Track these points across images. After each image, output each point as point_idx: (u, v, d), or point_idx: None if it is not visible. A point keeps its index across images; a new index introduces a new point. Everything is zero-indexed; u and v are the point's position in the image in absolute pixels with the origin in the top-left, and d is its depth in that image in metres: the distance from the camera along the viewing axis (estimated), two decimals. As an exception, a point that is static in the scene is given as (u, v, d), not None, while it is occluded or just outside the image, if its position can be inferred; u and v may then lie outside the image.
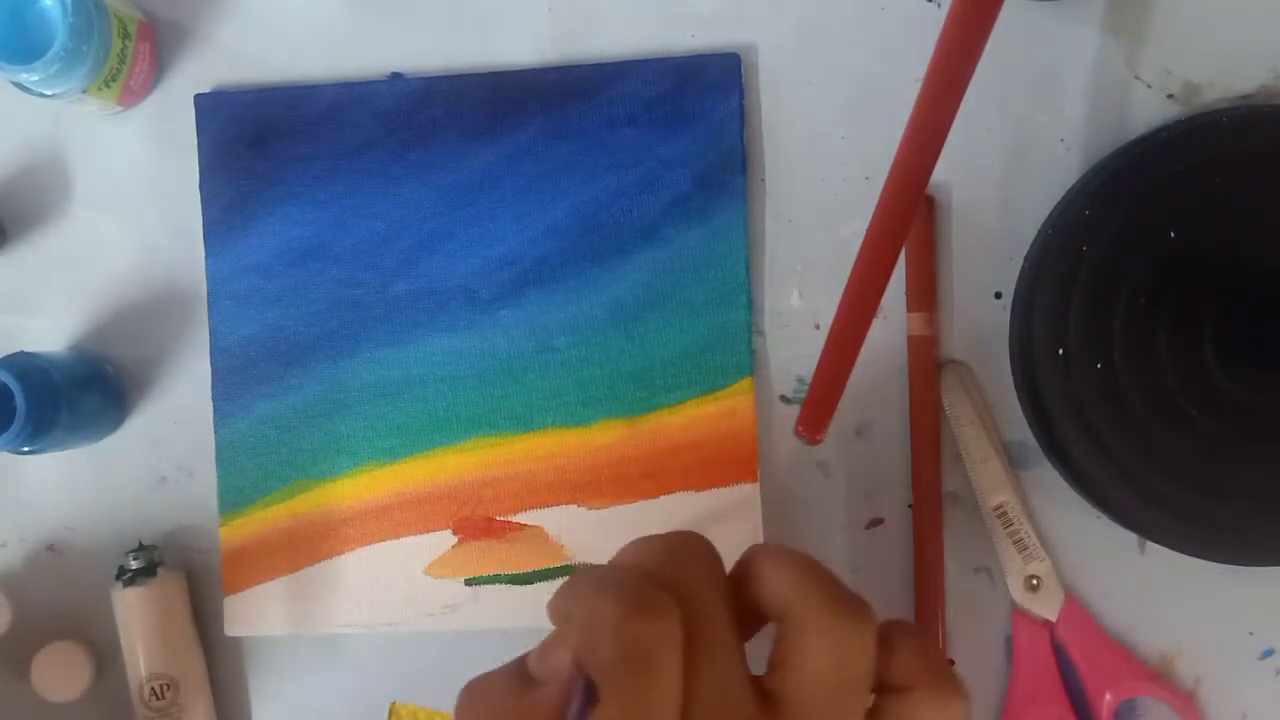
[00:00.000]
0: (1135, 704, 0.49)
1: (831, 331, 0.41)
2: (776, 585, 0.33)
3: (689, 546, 0.34)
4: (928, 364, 0.49)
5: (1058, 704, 0.49)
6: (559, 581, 0.51)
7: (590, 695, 0.29)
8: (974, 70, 0.41)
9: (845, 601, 0.32)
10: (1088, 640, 0.49)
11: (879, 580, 0.50)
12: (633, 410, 0.51)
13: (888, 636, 0.32)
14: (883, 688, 0.32)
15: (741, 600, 0.34)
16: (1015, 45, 0.49)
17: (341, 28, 0.53)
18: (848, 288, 0.41)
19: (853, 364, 0.41)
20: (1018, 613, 0.49)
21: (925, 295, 0.50)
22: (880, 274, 0.41)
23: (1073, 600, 0.49)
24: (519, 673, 0.33)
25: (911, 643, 0.33)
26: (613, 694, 0.29)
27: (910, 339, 0.50)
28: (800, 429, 0.40)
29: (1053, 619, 0.49)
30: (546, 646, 0.33)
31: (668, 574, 0.33)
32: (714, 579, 0.33)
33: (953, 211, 0.50)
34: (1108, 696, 0.48)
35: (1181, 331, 0.46)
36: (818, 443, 0.41)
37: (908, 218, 0.41)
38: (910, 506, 0.50)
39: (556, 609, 0.34)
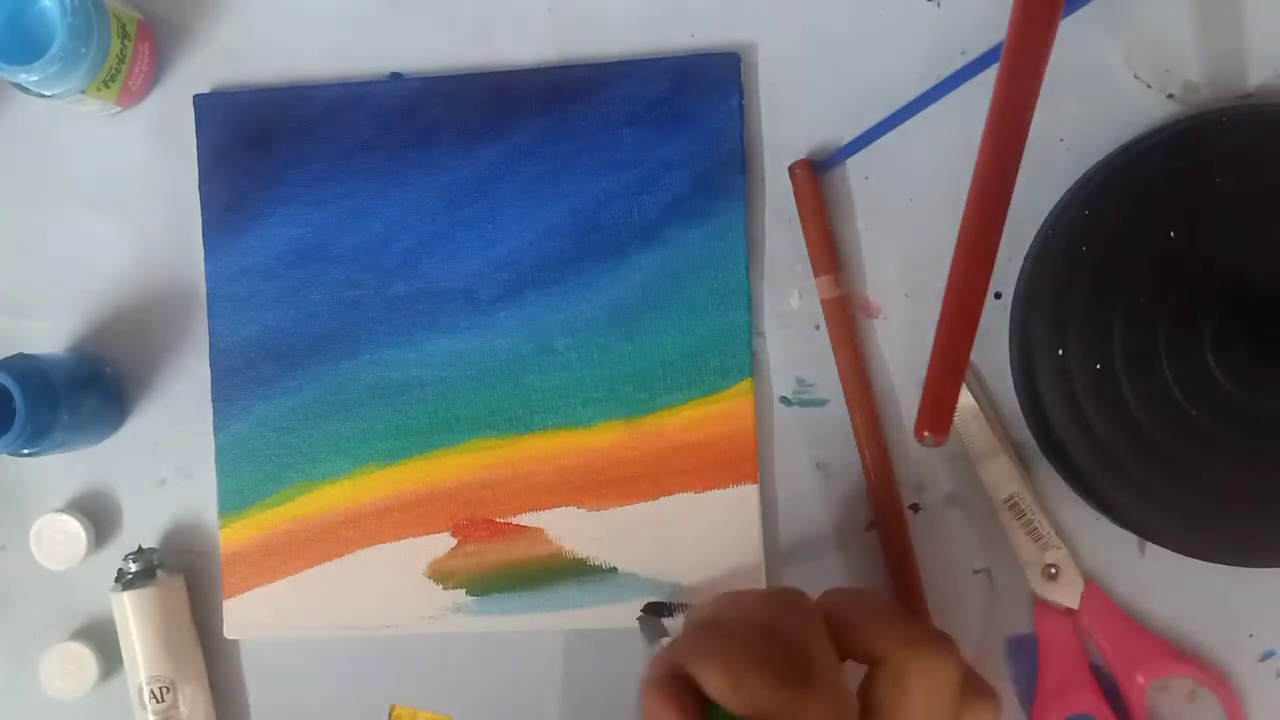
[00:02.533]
0: (1166, 684, 0.49)
1: (941, 323, 0.41)
2: (871, 632, 0.37)
3: (802, 605, 0.38)
4: (846, 323, 0.50)
5: (1089, 691, 0.48)
6: (559, 583, 0.51)
7: None
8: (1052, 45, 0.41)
9: (937, 644, 0.36)
10: (1113, 624, 0.49)
11: (878, 582, 0.50)
12: (633, 412, 0.51)
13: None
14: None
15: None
16: (1015, 45, 0.49)
17: (341, 28, 0.53)
18: (951, 278, 0.41)
19: (969, 352, 0.41)
20: (1039, 604, 0.49)
21: (828, 258, 0.50)
22: (985, 259, 0.40)
23: (1094, 586, 0.49)
24: None
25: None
26: None
27: (824, 302, 0.50)
28: (923, 432, 0.39)
29: (1074, 606, 0.49)
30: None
31: (794, 637, 0.36)
32: (825, 634, 0.37)
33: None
34: (1139, 678, 0.48)
35: (1181, 331, 0.46)
36: (942, 444, 0.40)
37: (1005, 198, 0.41)
38: (912, 508, 0.50)
39: (702, 670, 0.36)
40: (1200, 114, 0.48)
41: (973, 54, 0.50)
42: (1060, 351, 0.47)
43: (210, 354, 0.53)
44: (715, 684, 0.34)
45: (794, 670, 0.34)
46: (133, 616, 0.51)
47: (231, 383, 0.53)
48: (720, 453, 0.50)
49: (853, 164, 0.51)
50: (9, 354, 0.50)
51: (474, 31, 0.53)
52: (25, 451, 0.49)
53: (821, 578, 0.51)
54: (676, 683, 0.35)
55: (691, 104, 0.51)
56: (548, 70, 0.52)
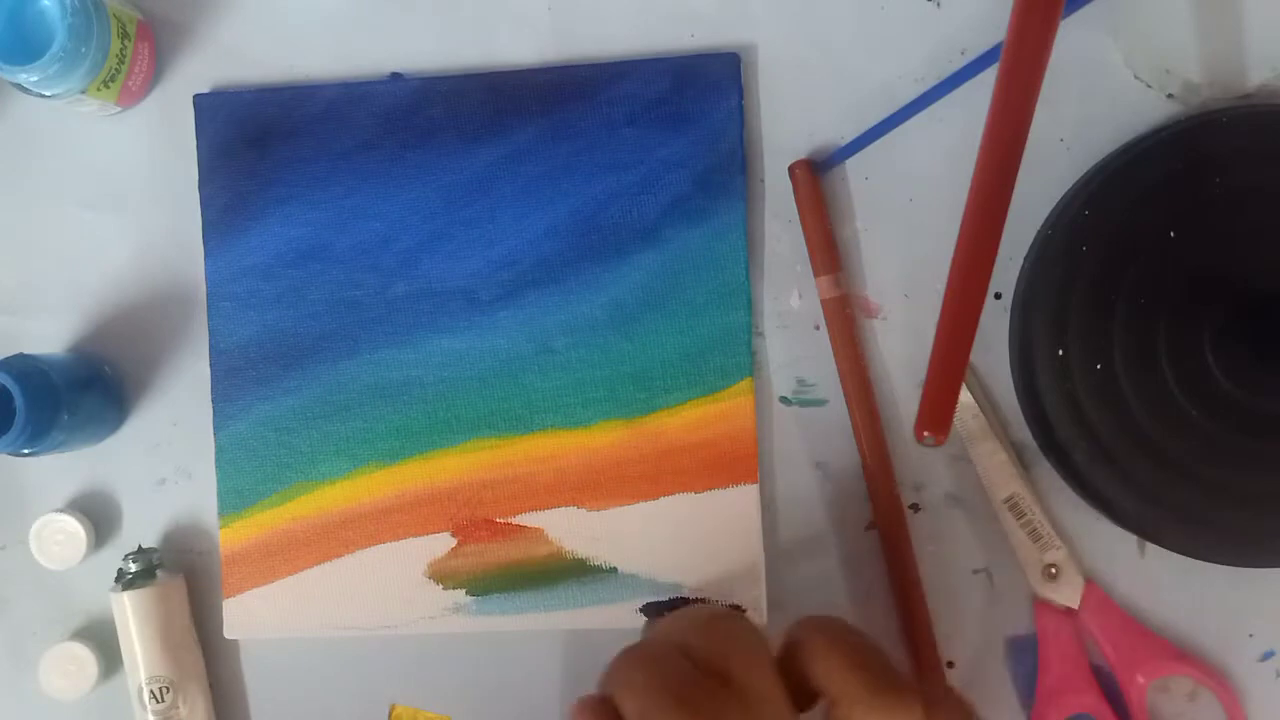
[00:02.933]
0: (1166, 684, 0.49)
1: (941, 323, 0.41)
2: (823, 672, 0.35)
3: (737, 633, 0.36)
4: (846, 323, 0.50)
5: (1089, 691, 0.48)
6: (559, 583, 0.51)
7: None
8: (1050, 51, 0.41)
9: (889, 692, 0.34)
10: (1113, 624, 0.49)
11: (878, 582, 0.50)
12: (632, 412, 0.51)
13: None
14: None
15: (793, 678, 0.35)
16: (1015, 45, 0.49)
17: (341, 28, 0.53)
18: (951, 278, 0.41)
19: (968, 352, 0.40)
20: (1039, 603, 0.49)
21: (828, 258, 0.50)
22: (985, 259, 0.40)
23: (1094, 586, 0.49)
24: None
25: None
26: None
27: (824, 302, 0.50)
28: (923, 432, 0.39)
29: (1075, 606, 0.49)
30: None
31: (721, 665, 0.34)
32: (764, 663, 0.35)
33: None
34: (1139, 678, 0.48)
35: (1181, 331, 0.46)
36: (942, 444, 0.40)
37: (1005, 198, 0.41)
38: (912, 508, 0.50)
39: (621, 698, 0.35)
40: (1200, 114, 0.48)
41: (973, 54, 0.50)
42: (1060, 351, 0.47)
43: (210, 354, 0.53)
44: (628, 712, 0.34)
45: (708, 699, 0.33)
46: (133, 616, 0.51)
47: (231, 383, 0.53)
48: (720, 453, 0.50)
49: (853, 164, 0.51)
50: (9, 354, 0.50)
51: (474, 31, 0.53)
52: (25, 451, 0.49)
53: (821, 578, 0.51)
54: (601, 708, 0.35)
55: (691, 104, 0.51)
56: (548, 70, 0.52)
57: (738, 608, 0.50)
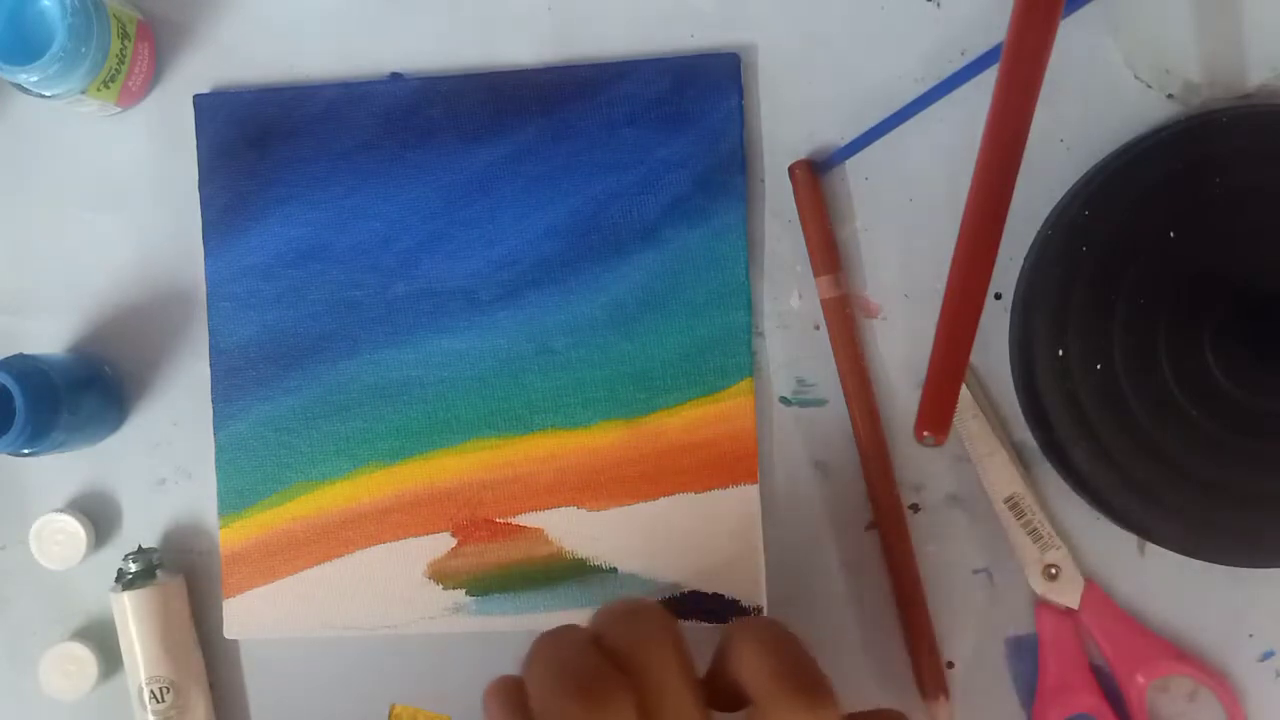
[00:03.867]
0: (1166, 684, 0.49)
1: (941, 323, 0.41)
2: (744, 671, 0.34)
3: (647, 624, 0.35)
4: (846, 323, 0.50)
5: (1089, 691, 0.48)
6: (559, 583, 0.51)
7: None
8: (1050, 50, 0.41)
9: (807, 694, 0.33)
10: (1113, 624, 0.49)
11: (878, 583, 0.50)
12: (632, 412, 0.51)
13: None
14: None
15: (725, 679, 0.35)
16: (1015, 45, 0.49)
17: (341, 28, 0.53)
18: (951, 278, 0.41)
19: (969, 352, 0.40)
20: (1040, 604, 0.49)
21: (828, 258, 0.50)
22: (985, 259, 0.40)
23: (1094, 586, 0.49)
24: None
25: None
26: None
27: (824, 302, 0.50)
28: (923, 432, 0.39)
29: (1075, 606, 0.49)
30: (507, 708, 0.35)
31: (627, 655, 0.34)
32: (669, 657, 0.34)
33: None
34: (1139, 679, 0.48)
35: (1181, 332, 0.46)
36: (942, 444, 0.40)
37: (1005, 198, 0.41)
38: (912, 508, 0.50)
39: (527, 681, 0.35)
40: (1200, 114, 0.48)
41: (973, 54, 0.50)
42: (1060, 352, 0.47)
43: (210, 354, 0.53)
44: (530, 695, 0.34)
45: (604, 689, 0.32)
46: (133, 617, 0.51)
47: (231, 383, 0.53)
48: (720, 453, 0.50)
49: (853, 164, 0.51)
50: (9, 354, 0.50)
51: (474, 31, 0.53)
52: (25, 451, 0.49)
53: (821, 578, 0.51)
54: (511, 690, 0.35)
55: (691, 104, 0.51)
56: (548, 70, 0.52)
57: (747, 607, 0.50)
